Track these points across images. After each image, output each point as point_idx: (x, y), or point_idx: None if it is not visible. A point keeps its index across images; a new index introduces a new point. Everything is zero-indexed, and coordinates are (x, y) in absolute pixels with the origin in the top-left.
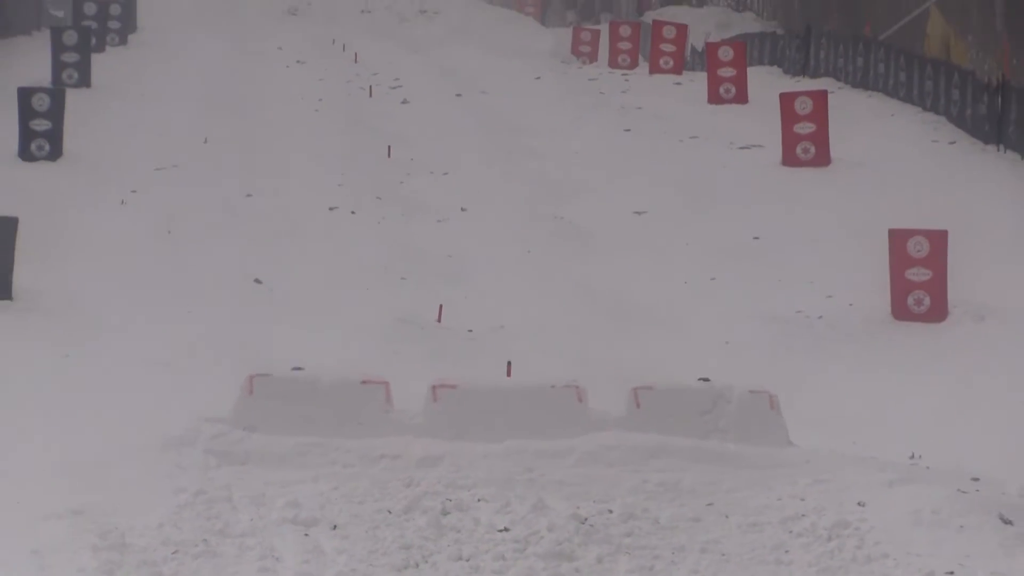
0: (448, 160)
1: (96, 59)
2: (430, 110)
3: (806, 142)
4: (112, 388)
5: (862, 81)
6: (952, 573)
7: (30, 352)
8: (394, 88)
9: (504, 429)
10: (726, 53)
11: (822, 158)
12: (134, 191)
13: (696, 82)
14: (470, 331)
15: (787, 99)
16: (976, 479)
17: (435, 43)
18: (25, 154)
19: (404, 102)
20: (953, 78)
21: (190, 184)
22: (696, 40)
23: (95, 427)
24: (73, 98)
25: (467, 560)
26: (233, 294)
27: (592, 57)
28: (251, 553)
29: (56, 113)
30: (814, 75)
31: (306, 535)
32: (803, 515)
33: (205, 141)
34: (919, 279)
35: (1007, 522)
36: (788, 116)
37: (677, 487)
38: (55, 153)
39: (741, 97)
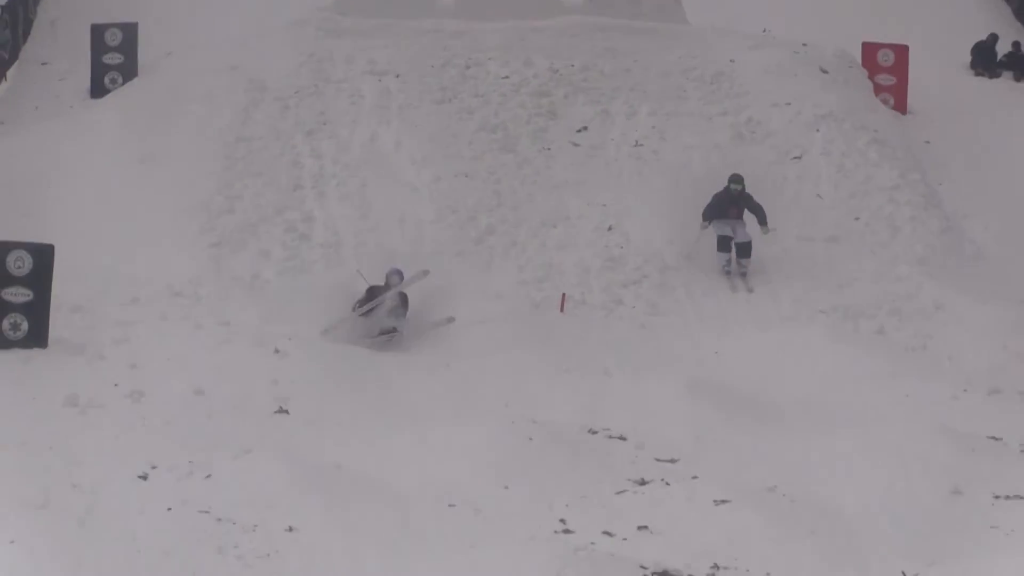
0: None
1: None
2: None
3: None
4: None
5: None
6: (789, 104)
7: None
8: None
9: (506, 13)
10: None
11: None
12: None
13: None
14: None
15: None
16: (805, 45)
17: None
18: None
19: None
20: None
21: None
22: None
23: (244, 13)
24: None
25: (482, 96)
26: None
27: None
28: (344, 92)
29: None
30: None
31: (379, 81)
32: (696, 67)
33: None
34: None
35: (824, 71)
36: None
37: (615, 50)
38: None
39: None
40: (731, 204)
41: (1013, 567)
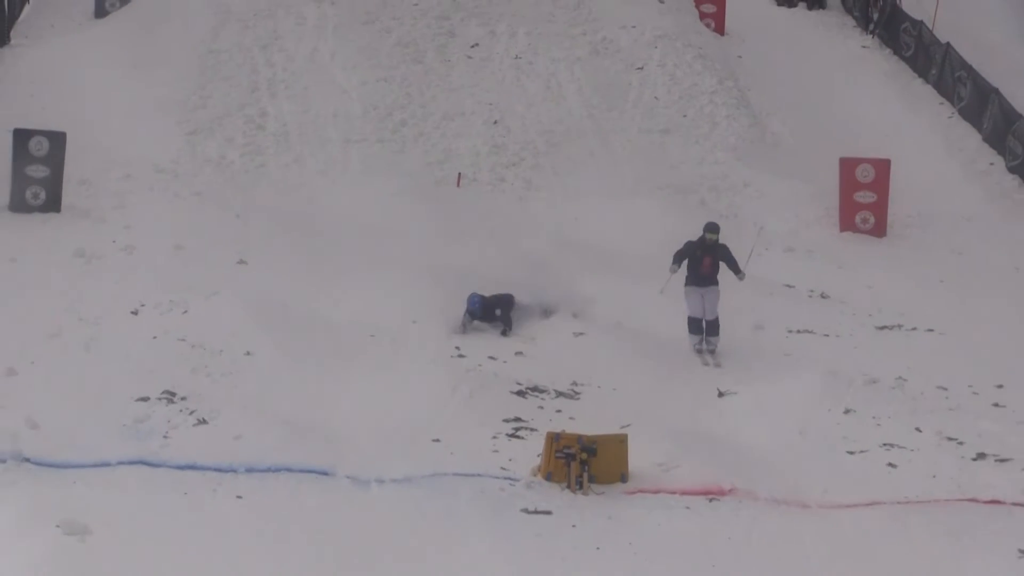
0: None
1: None
2: None
3: None
4: None
5: None
6: (634, 26)
7: None
8: None
9: None
10: None
11: None
12: None
13: None
14: None
15: None
16: None
17: None
18: None
19: None
20: None
21: None
22: None
23: None
24: None
25: (398, 19)
26: None
27: None
28: (291, 15)
29: None
30: None
31: (318, 6)
32: None
33: None
34: None
35: (661, 1)
36: None
37: None
38: None
39: None
40: (705, 253)
41: (800, 384)
